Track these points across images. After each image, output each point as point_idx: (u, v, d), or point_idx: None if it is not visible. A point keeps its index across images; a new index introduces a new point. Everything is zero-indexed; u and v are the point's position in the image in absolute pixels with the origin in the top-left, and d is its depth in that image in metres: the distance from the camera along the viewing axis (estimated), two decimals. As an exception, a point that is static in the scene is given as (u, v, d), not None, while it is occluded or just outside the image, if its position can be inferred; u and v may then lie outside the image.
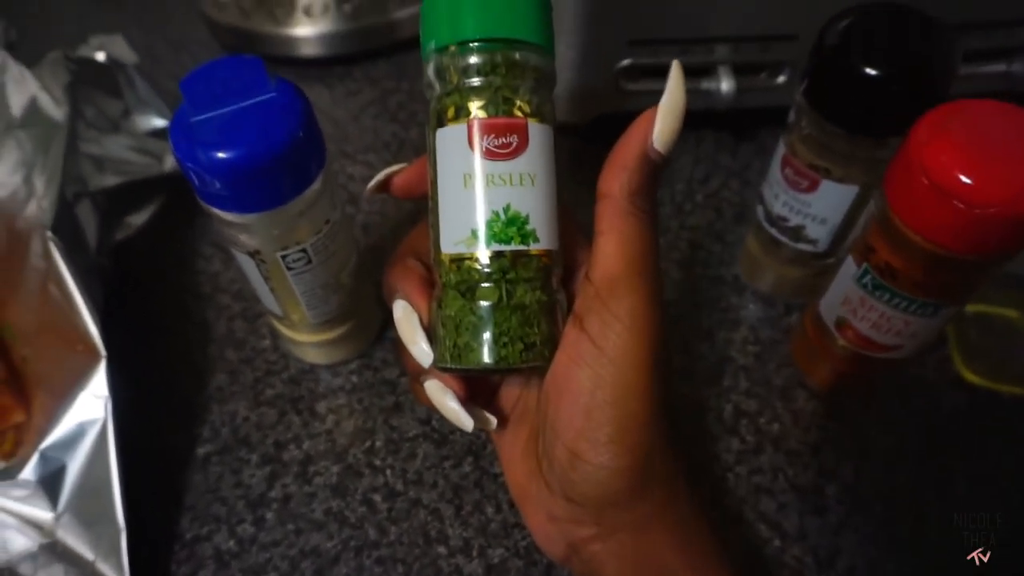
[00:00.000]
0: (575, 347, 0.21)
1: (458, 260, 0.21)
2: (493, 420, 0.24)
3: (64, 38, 0.42)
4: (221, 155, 0.23)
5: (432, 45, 0.22)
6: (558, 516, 0.23)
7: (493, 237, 0.21)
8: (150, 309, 0.36)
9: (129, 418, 0.30)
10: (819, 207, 0.30)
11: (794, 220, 0.31)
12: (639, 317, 0.21)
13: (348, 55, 0.47)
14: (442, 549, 0.29)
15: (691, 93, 0.38)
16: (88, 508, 0.28)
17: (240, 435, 0.33)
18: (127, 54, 0.39)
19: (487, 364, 0.21)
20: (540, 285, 0.22)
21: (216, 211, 0.25)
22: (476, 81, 0.21)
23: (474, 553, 0.29)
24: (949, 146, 0.22)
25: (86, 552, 0.28)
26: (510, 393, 0.25)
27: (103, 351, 0.30)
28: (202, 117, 0.23)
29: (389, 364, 0.34)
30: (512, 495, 0.25)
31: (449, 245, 0.22)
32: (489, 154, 0.21)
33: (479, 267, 0.21)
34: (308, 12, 0.46)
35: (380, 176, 0.25)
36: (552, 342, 0.22)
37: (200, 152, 0.23)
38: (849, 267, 0.28)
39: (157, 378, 0.34)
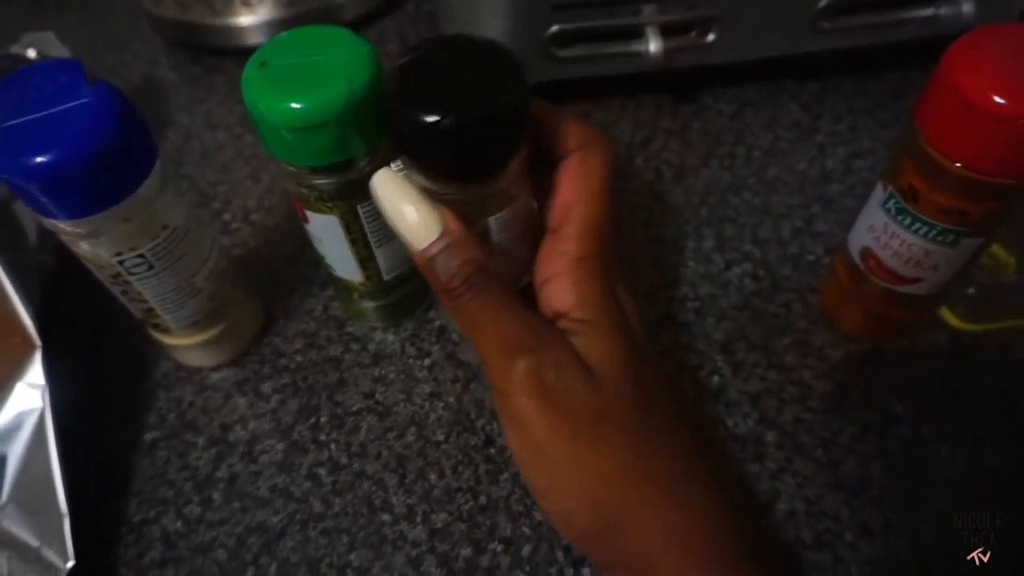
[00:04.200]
0: None
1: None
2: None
3: (3, 38, 0.42)
4: (22, 161, 0.23)
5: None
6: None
7: None
8: (95, 304, 0.36)
9: (75, 409, 0.30)
10: None
11: None
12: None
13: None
14: (386, 517, 0.30)
15: (620, 57, 0.39)
16: (31, 496, 0.28)
17: (186, 419, 0.33)
18: (59, 50, 0.39)
19: None
20: None
21: (40, 217, 0.25)
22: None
23: (418, 519, 0.29)
24: (979, 65, 0.23)
25: (30, 539, 0.28)
26: None
27: (38, 341, 0.30)
28: (12, 123, 0.23)
29: (333, 342, 0.35)
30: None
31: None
32: None
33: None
34: (246, 1, 0.46)
35: None
36: None
37: (7, 158, 0.23)
38: (877, 193, 0.28)
39: (104, 371, 0.34)
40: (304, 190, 0.27)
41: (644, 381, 0.23)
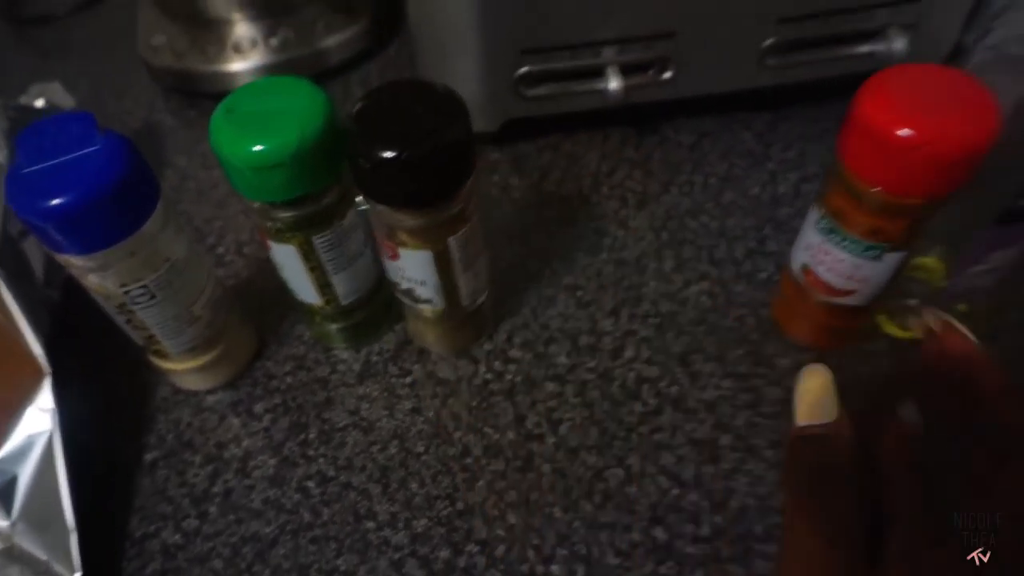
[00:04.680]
0: None
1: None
2: None
3: (10, 89, 0.45)
4: (40, 203, 0.26)
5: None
6: None
7: None
8: (99, 335, 0.39)
9: (80, 433, 0.32)
10: (411, 271, 0.31)
11: (404, 284, 0.32)
12: None
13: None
14: (371, 524, 0.32)
15: (585, 94, 0.42)
16: (40, 513, 0.31)
17: (184, 439, 0.35)
18: (65, 99, 0.42)
19: None
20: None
21: (54, 255, 0.28)
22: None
23: (400, 525, 0.32)
24: (885, 99, 0.27)
25: (40, 554, 0.30)
26: None
27: (47, 368, 0.32)
28: (32, 169, 0.26)
29: (321, 364, 0.37)
30: None
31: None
32: None
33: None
34: (237, 48, 0.50)
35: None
36: None
37: (26, 201, 0.26)
38: (812, 214, 0.31)
39: (108, 397, 0.37)
40: (268, 223, 0.30)
41: None
